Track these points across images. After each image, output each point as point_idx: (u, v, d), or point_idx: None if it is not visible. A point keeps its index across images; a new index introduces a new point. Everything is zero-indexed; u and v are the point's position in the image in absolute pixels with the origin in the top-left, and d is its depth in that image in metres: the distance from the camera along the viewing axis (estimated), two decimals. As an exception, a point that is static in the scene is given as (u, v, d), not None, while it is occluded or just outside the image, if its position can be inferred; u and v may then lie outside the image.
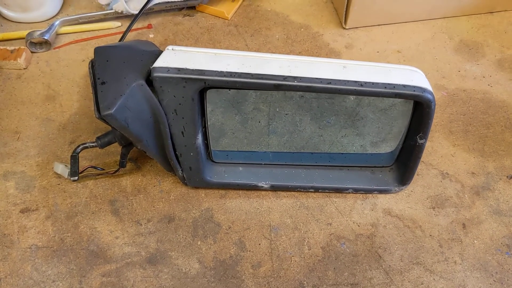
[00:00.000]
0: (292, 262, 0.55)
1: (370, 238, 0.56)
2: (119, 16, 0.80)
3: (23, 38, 0.76)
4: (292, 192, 0.60)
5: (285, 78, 0.47)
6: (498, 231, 0.57)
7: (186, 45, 0.65)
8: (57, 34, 0.78)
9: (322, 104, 0.55)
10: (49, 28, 0.76)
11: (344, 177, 0.60)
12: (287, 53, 0.76)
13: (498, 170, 0.62)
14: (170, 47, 0.50)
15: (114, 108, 0.46)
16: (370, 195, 0.60)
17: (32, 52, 0.76)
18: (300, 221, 0.58)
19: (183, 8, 0.83)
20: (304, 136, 0.58)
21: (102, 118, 0.46)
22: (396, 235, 0.57)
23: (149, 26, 0.80)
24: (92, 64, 0.50)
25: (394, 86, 0.48)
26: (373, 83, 0.48)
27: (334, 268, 0.54)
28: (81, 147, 0.57)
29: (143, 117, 0.49)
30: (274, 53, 0.59)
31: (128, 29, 0.71)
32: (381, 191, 0.60)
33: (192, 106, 0.50)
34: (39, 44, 0.76)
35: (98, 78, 0.48)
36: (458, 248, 0.56)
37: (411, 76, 0.49)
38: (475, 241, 0.56)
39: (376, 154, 0.60)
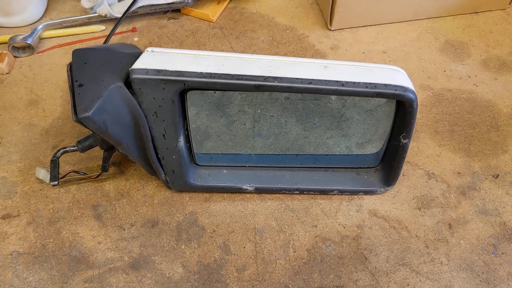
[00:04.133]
0: (277, 265, 0.54)
1: (356, 240, 0.56)
2: (103, 19, 0.79)
3: (6, 43, 0.75)
4: (277, 195, 0.60)
5: (265, 78, 0.47)
6: (484, 231, 0.57)
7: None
8: (40, 38, 0.78)
9: (307, 106, 0.54)
10: (32, 33, 0.75)
11: (329, 179, 0.59)
12: (272, 55, 0.75)
13: (484, 170, 0.62)
14: (149, 49, 0.49)
15: (92, 111, 0.45)
16: (356, 196, 0.60)
17: (14, 56, 0.75)
18: (285, 223, 0.57)
19: (168, 11, 0.83)
20: (290, 138, 0.58)
21: (79, 121, 0.46)
22: (382, 236, 0.56)
23: (134, 30, 0.80)
24: (70, 66, 0.49)
25: (375, 85, 0.47)
26: (354, 83, 0.47)
27: (320, 271, 0.54)
28: (61, 151, 0.56)
29: (123, 120, 0.49)
30: (255, 53, 0.59)
31: (112, 32, 0.70)
32: (366, 192, 0.59)
33: (173, 108, 0.50)
34: (22, 48, 0.75)
35: (76, 81, 0.47)
36: (444, 249, 0.55)
37: (393, 76, 0.49)
38: (461, 241, 0.56)
39: (362, 155, 0.59)
